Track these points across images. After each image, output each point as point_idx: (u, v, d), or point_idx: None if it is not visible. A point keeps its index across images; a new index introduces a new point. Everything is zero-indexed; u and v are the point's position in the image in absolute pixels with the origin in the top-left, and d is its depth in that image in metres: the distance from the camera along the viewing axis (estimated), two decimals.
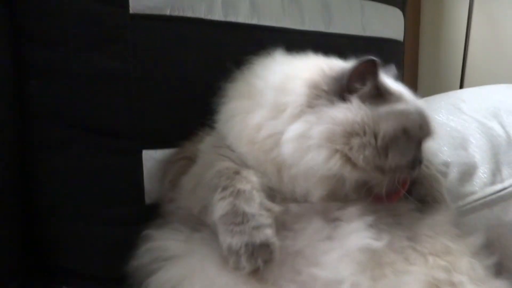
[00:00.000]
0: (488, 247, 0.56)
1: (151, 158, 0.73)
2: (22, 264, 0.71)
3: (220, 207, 0.52)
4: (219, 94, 0.66)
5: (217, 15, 0.78)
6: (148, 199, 0.73)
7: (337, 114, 0.53)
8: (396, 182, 0.54)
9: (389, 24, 1.23)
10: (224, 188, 0.53)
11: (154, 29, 0.71)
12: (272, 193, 0.56)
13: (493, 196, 0.67)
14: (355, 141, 0.52)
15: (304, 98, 0.55)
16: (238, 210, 0.51)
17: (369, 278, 0.49)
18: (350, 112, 0.53)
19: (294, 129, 0.54)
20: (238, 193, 0.53)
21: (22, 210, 0.70)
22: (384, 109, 0.54)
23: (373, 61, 0.53)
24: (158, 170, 0.72)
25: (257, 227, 0.51)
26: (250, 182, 0.54)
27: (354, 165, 0.52)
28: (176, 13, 0.72)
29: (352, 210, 0.54)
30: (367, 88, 0.54)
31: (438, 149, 0.73)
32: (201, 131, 0.70)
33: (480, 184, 0.69)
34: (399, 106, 0.55)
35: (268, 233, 0.51)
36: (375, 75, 0.54)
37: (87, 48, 0.67)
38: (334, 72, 0.56)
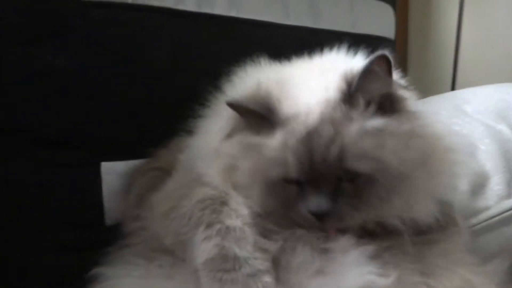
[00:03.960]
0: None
1: (111, 171, 0.66)
2: None
3: (204, 250, 0.45)
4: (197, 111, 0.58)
5: (190, 5, 0.72)
6: (109, 219, 0.66)
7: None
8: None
9: (380, 21, 1.19)
10: (209, 225, 0.46)
11: (111, 19, 0.64)
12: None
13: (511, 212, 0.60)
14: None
15: None
16: (228, 253, 0.44)
17: None
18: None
19: None
20: (227, 232, 0.45)
21: None
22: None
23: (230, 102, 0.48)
24: (121, 184, 0.65)
25: (253, 275, 0.43)
26: (240, 215, 0.46)
27: None
28: (139, 0, 0.65)
29: (344, 239, 0.45)
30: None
31: None
32: (178, 139, 0.62)
33: (495, 198, 0.63)
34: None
35: (268, 282, 0.43)
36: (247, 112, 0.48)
37: (26, 42, 0.59)
38: None
